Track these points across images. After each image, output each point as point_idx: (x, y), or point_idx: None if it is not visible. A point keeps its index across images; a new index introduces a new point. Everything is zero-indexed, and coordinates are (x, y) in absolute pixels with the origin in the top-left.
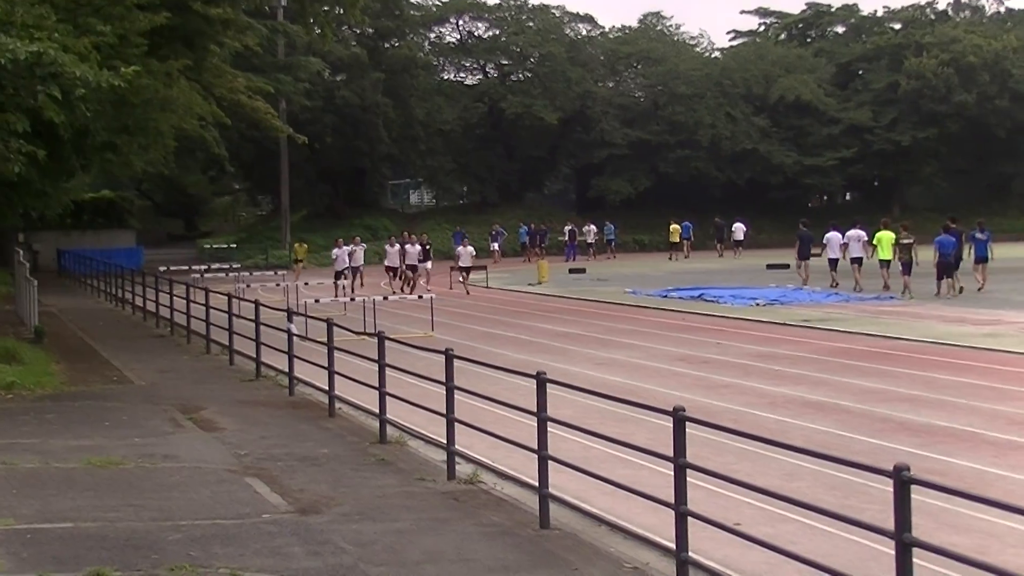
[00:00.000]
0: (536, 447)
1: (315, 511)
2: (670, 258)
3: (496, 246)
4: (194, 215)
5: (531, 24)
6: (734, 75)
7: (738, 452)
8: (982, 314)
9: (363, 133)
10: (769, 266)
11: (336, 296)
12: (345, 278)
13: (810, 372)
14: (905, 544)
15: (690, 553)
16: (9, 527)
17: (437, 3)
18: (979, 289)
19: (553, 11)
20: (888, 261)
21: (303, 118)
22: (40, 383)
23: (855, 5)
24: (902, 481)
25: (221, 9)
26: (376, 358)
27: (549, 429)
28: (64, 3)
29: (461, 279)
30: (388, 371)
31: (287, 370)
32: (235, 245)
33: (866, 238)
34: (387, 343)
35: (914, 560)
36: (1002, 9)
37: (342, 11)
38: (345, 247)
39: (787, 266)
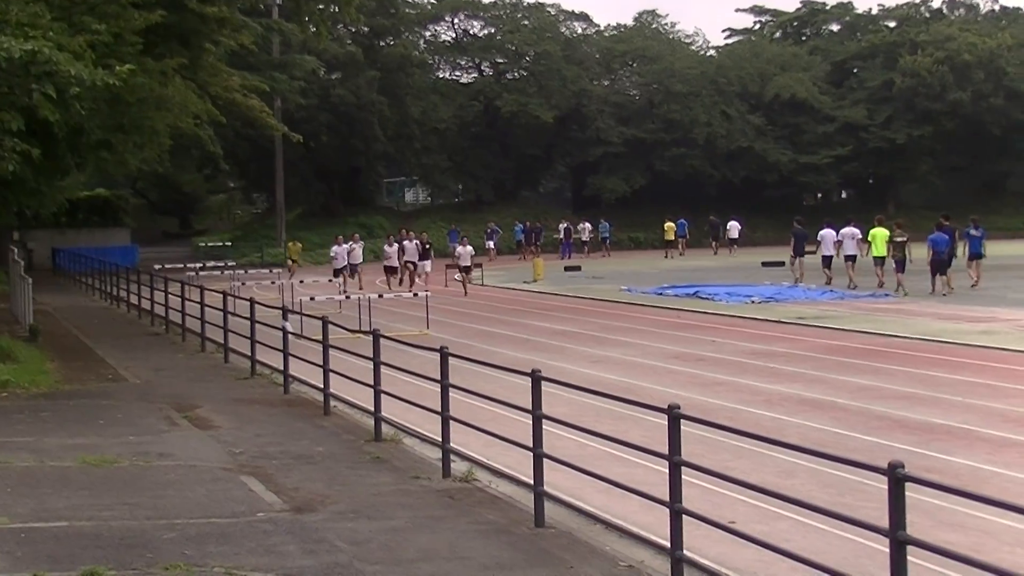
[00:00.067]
0: (531, 445)
1: (310, 509)
2: (666, 256)
3: (492, 244)
4: (189, 213)
5: (526, 22)
6: (729, 73)
7: (733, 450)
8: (977, 311)
9: (358, 131)
10: (764, 264)
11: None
12: (346, 275)
13: (805, 370)
14: (899, 542)
15: (685, 551)
16: (4, 526)
17: (432, 1)
18: (973, 286)
19: (548, 9)
20: (882, 258)
21: (298, 116)
22: (35, 381)
23: (850, 3)
24: (897, 478)
25: (216, 7)
26: (371, 356)
27: (544, 427)
28: (59, 1)
29: (459, 278)
30: (383, 369)
31: (282, 368)
32: (230, 243)
33: (860, 235)
34: (382, 341)
35: (909, 558)
36: (996, 7)
37: (337, 9)
38: (344, 245)
39: (782, 264)
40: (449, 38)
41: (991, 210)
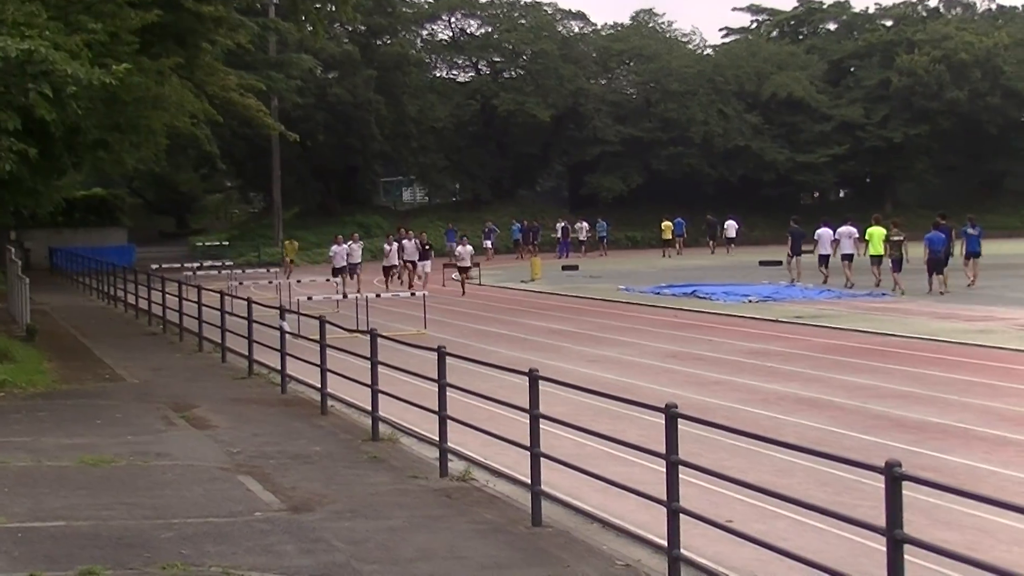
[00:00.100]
0: (528, 444)
1: (307, 509)
2: (663, 255)
3: (490, 243)
4: (186, 213)
5: (523, 21)
6: (726, 72)
7: (730, 449)
8: (974, 310)
9: (355, 130)
10: (761, 263)
11: (343, 289)
12: (345, 275)
13: (803, 369)
14: (896, 540)
15: (682, 550)
16: (1, 525)
17: (429, 0)
18: (969, 285)
19: (545, 8)
20: (879, 257)
21: (295, 115)
22: (32, 381)
23: (847, 2)
24: (893, 477)
25: (213, 7)
26: (369, 355)
27: (542, 426)
28: (55, 1)
29: (457, 278)
30: (381, 368)
31: (280, 368)
32: (227, 243)
33: (857, 234)
34: (380, 340)
35: (906, 556)
36: (993, 6)
37: (334, 8)
38: (344, 244)
39: (779, 263)
40: (446, 37)
41: (988, 209)
